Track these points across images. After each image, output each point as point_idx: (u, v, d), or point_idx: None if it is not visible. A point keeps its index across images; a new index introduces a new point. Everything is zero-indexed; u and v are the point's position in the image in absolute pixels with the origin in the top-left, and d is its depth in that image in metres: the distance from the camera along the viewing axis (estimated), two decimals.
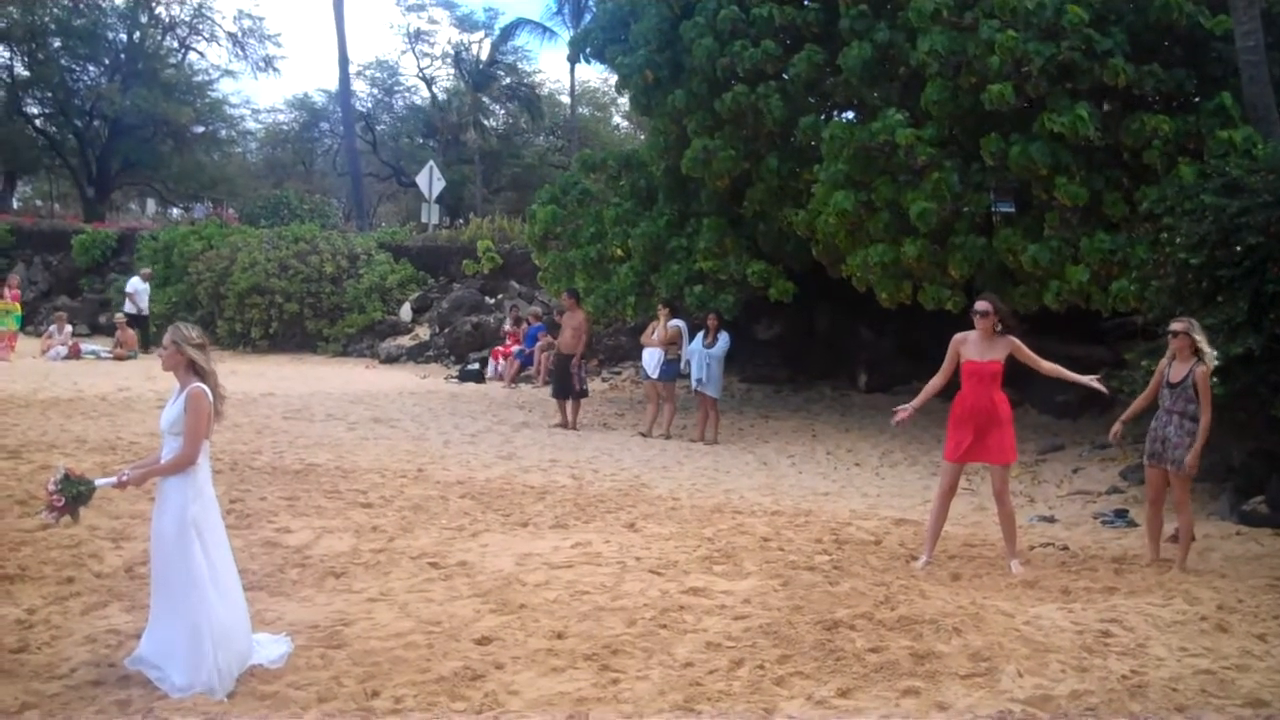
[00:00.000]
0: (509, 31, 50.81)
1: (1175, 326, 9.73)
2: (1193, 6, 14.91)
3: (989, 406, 9.47)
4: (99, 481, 6.34)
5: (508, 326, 26.70)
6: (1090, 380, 9.75)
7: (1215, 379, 10.65)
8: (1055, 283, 15.12)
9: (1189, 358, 9.54)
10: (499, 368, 25.62)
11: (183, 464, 6.20)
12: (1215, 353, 9.73)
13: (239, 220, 39.55)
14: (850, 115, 18.95)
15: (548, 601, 7.92)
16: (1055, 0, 14.70)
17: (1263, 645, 7.22)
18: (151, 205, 54.99)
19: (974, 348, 9.52)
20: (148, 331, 28.86)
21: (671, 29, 18.83)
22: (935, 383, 9.76)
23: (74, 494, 6.16)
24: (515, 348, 25.64)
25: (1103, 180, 15.17)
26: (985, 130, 15.54)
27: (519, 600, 7.92)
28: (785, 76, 17.82)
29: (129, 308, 29.08)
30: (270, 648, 6.62)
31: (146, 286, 29.53)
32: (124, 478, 6.31)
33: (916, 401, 9.75)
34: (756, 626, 7.33)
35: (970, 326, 9.69)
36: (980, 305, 9.59)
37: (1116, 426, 10.15)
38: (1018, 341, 9.53)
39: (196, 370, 6.32)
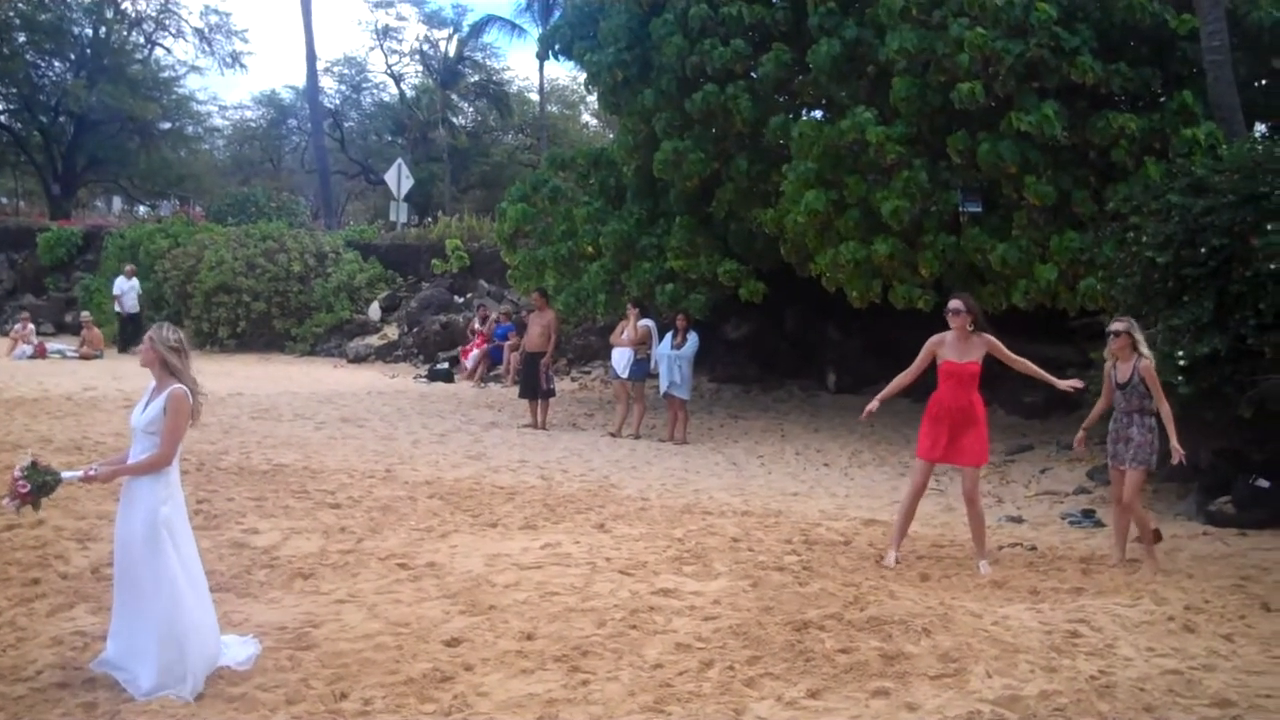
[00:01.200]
0: (478, 28, 50.81)
1: (1116, 326, 9.75)
2: (1158, 5, 14.99)
3: (966, 407, 9.55)
4: (65, 474, 6.27)
5: (476, 325, 26.65)
6: (1066, 384, 9.81)
7: (1181, 378, 10.74)
8: (1023, 282, 15.18)
9: (1130, 356, 9.57)
10: (470, 365, 25.59)
11: (159, 464, 6.16)
12: (1150, 352, 9.77)
13: (206, 218, 39.34)
14: (819, 114, 18.97)
15: (517, 603, 7.90)
16: None
17: (1229, 645, 7.26)
18: (118, 203, 54.76)
19: (952, 349, 9.57)
20: (139, 330, 28.60)
21: (640, 27, 18.80)
22: (904, 379, 9.83)
23: (39, 483, 6.10)
24: (484, 346, 25.63)
25: (1070, 179, 15.25)
26: (953, 129, 15.60)
27: (488, 601, 7.90)
28: (754, 75, 17.84)
29: (120, 308, 28.93)
30: (238, 649, 6.57)
31: (134, 283, 29.22)
32: (91, 473, 6.25)
33: (883, 394, 9.83)
34: (726, 627, 7.34)
35: (943, 327, 9.74)
36: (953, 304, 9.64)
37: (1079, 435, 10.19)
38: (995, 340, 9.59)
39: (172, 371, 6.27)
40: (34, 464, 6.15)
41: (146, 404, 6.27)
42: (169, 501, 6.21)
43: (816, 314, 21.64)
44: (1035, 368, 9.82)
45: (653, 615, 7.62)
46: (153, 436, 6.17)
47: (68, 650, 6.65)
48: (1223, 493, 11.85)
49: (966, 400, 9.55)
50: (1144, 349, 9.59)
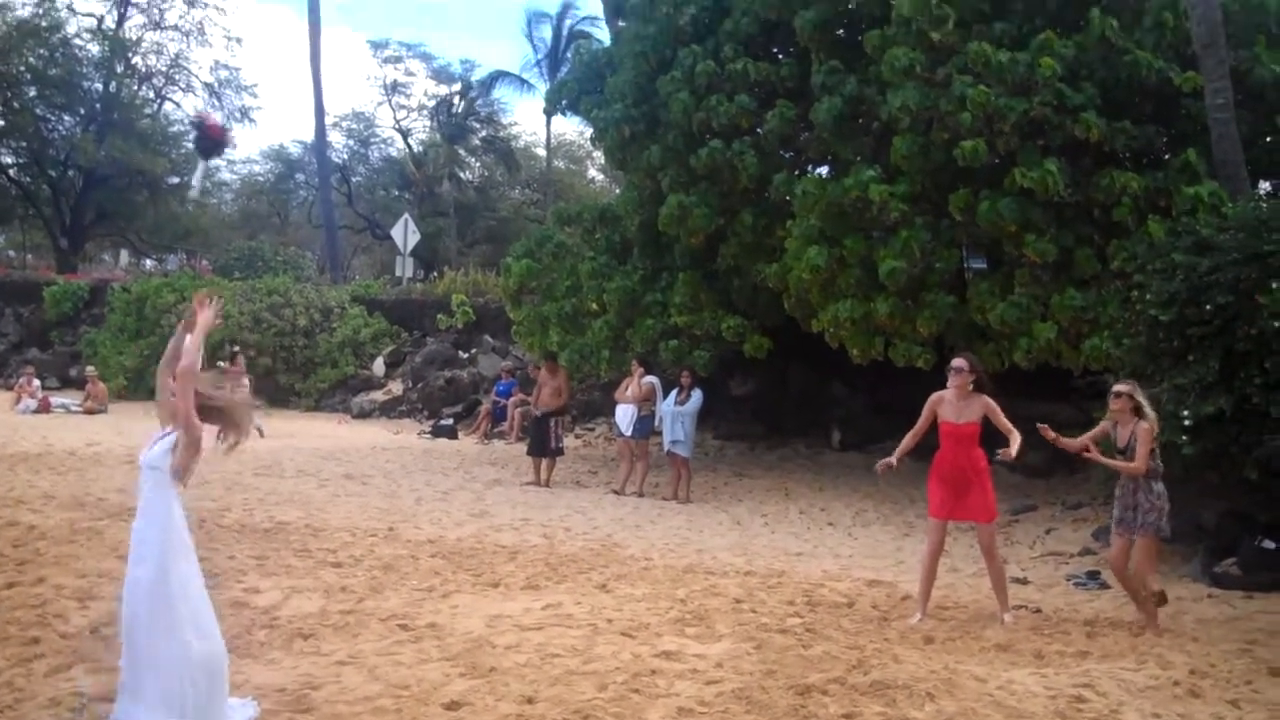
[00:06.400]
0: (487, 84, 51.18)
1: (1119, 387, 9.65)
2: (1163, 63, 15.07)
3: (966, 466, 9.59)
4: None
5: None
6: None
7: (1185, 438, 10.66)
8: (1024, 340, 15.15)
9: (1130, 419, 9.46)
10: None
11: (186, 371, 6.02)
12: (1155, 415, 9.69)
13: (213, 272, 39.54)
14: (823, 170, 19.03)
15: (518, 665, 7.81)
16: (1028, 56, 14.85)
17: (1235, 711, 7.18)
18: (125, 256, 54.98)
19: (950, 408, 9.59)
20: None
21: (648, 83, 18.91)
22: (909, 441, 9.87)
23: None
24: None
25: (1073, 237, 15.26)
26: (956, 186, 15.63)
27: (489, 663, 7.82)
28: (759, 132, 17.91)
29: None
30: (237, 712, 6.49)
31: None
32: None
33: (897, 453, 9.87)
34: (729, 691, 7.25)
35: (945, 384, 9.75)
36: (956, 362, 9.66)
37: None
38: (992, 403, 9.56)
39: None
40: None
41: (155, 441, 6.14)
42: (178, 546, 6.09)
43: (821, 371, 21.61)
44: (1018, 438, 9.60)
45: (655, 679, 7.54)
46: (158, 471, 6.04)
47: (65, 711, 6.58)
48: (1228, 555, 11.75)
49: (966, 459, 9.57)
50: (1148, 411, 9.50)
